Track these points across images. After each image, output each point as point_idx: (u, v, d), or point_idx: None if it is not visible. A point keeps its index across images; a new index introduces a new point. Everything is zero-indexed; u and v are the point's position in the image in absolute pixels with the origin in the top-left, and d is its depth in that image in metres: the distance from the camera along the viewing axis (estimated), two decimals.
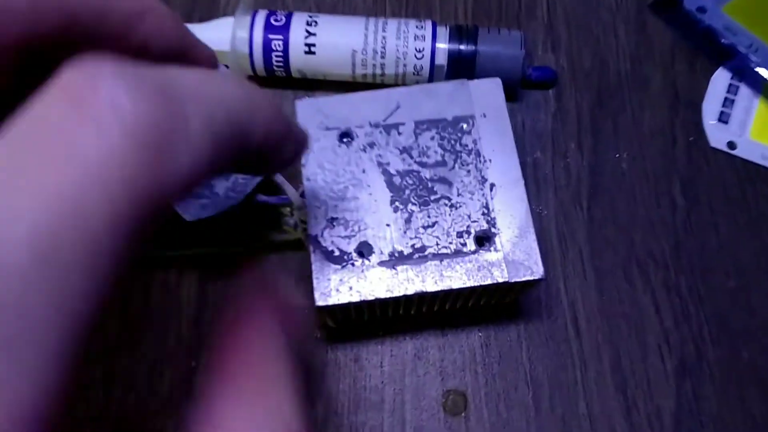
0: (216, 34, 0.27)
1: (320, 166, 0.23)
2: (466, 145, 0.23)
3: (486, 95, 0.24)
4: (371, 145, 0.23)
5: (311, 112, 0.24)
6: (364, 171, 0.23)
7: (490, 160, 0.23)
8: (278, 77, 0.28)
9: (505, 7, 0.31)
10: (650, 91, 0.29)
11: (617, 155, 0.28)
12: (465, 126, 0.23)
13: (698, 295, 0.26)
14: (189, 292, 0.25)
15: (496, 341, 0.25)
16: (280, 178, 0.24)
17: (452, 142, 0.23)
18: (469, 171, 0.23)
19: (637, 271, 0.26)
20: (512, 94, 0.24)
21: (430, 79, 0.27)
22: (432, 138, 0.23)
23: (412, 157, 0.23)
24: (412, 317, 0.25)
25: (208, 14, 0.30)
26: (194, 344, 0.24)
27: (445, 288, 0.21)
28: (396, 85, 0.28)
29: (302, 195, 0.23)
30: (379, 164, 0.23)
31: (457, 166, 0.23)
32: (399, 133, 0.23)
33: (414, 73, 0.27)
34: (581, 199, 0.27)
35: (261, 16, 0.27)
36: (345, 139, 0.23)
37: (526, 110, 0.29)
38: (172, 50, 0.13)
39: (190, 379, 0.24)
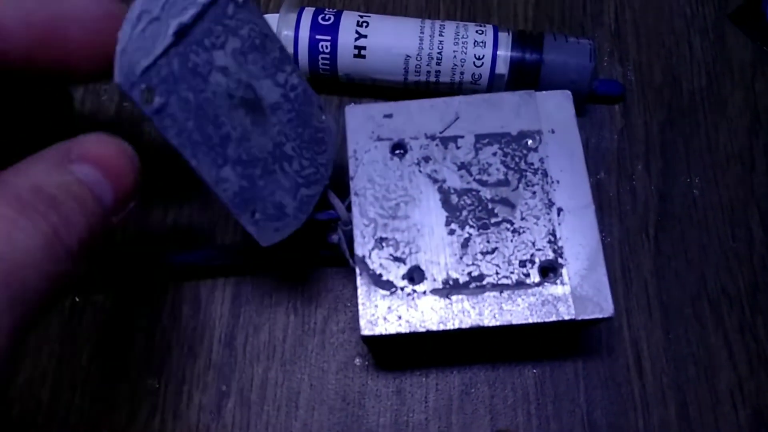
0: None
1: (370, 180, 0.21)
2: (532, 164, 0.21)
3: (555, 109, 0.22)
4: (426, 159, 0.21)
5: (362, 120, 0.22)
6: (417, 187, 0.21)
7: (557, 182, 0.21)
8: (323, 79, 0.26)
9: (569, 11, 0.28)
10: (727, 110, 0.27)
11: (688, 180, 0.26)
12: (531, 142, 0.21)
13: None
14: (222, 310, 0.23)
15: (552, 379, 0.23)
16: (330, 193, 0.22)
17: (516, 159, 0.21)
18: (534, 193, 0.21)
19: (709, 309, 0.24)
20: (576, 108, 0.22)
21: (489, 89, 0.25)
22: (494, 154, 0.21)
23: (471, 175, 0.21)
24: (460, 348, 0.22)
25: None
26: (225, 367, 0.23)
27: (505, 323, 0.19)
28: (450, 94, 0.26)
29: (348, 208, 0.21)
30: (435, 181, 0.21)
31: (521, 186, 0.21)
32: (457, 147, 0.21)
33: (471, 82, 0.25)
34: (648, 227, 0.25)
35: (308, 14, 0.25)
36: (398, 151, 0.21)
37: (590, 126, 0.27)
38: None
39: (220, 405, 0.22)
